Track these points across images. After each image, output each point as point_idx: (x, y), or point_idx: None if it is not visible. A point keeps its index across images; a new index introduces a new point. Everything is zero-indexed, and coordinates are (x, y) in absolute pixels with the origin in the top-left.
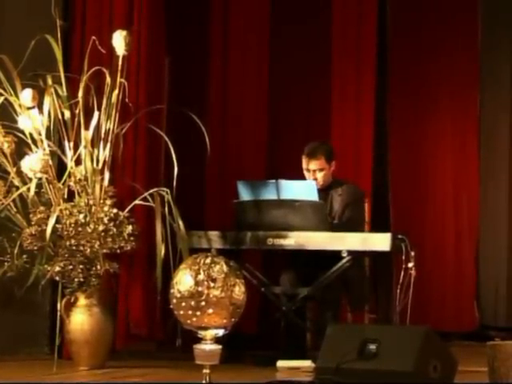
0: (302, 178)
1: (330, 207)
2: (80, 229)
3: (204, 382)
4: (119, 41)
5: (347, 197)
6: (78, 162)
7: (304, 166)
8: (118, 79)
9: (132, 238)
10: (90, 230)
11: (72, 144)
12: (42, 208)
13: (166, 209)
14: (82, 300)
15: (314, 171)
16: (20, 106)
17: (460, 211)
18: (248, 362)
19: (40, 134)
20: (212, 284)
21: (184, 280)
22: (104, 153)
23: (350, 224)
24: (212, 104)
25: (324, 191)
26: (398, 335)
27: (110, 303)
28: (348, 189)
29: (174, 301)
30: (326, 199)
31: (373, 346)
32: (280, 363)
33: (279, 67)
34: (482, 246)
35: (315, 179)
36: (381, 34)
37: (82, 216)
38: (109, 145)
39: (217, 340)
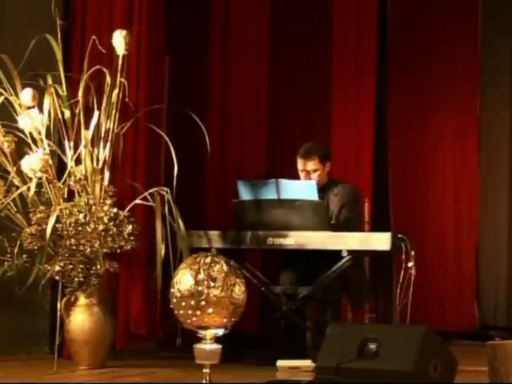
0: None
1: (327, 207)
2: (80, 228)
3: (204, 381)
4: (119, 40)
5: (343, 197)
6: (78, 161)
7: (299, 166)
8: (118, 79)
9: (132, 238)
10: (89, 230)
11: (72, 143)
12: (41, 207)
13: (166, 208)
14: (82, 299)
15: (309, 172)
16: (20, 105)
17: (460, 211)
18: (248, 361)
19: (40, 134)
20: (212, 283)
21: (184, 279)
22: (104, 152)
23: (348, 224)
24: (212, 104)
25: (320, 191)
26: (397, 335)
27: (109, 303)
28: (343, 189)
29: (174, 300)
30: (323, 199)
31: (373, 346)
32: (280, 363)
33: (279, 67)
34: (482, 245)
35: (309, 180)
36: (381, 34)
37: (81, 215)
38: (109, 144)
39: (217, 339)
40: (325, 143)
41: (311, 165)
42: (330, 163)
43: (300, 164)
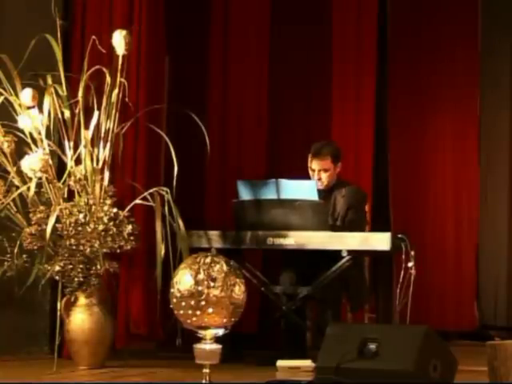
0: (302, 177)
1: (333, 208)
2: (80, 228)
3: (204, 381)
4: (119, 40)
5: (350, 199)
6: (77, 161)
7: (309, 164)
8: (118, 79)
9: (132, 238)
10: (89, 230)
11: (72, 143)
12: (41, 207)
13: (166, 208)
14: (82, 299)
15: (319, 171)
16: (20, 105)
17: (460, 211)
18: (248, 361)
19: (40, 134)
20: (212, 283)
21: (184, 279)
22: (104, 152)
23: (353, 226)
24: (212, 104)
25: (327, 192)
26: (397, 335)
27: (109, 303)
28: (351, 190)
29: (174, 300)
30: (329, 200)
31: (373, 346)
32: (280, 363)
33: (279, 67)
34: (482, 245)
35: (319, 179)
36: (381, 34)
37: (81, 215)
38: (109, 144)
39: (217, 339)
40: (337, 143)
41: (322, 164)
42: (340, 164)
43: (310, 162)
